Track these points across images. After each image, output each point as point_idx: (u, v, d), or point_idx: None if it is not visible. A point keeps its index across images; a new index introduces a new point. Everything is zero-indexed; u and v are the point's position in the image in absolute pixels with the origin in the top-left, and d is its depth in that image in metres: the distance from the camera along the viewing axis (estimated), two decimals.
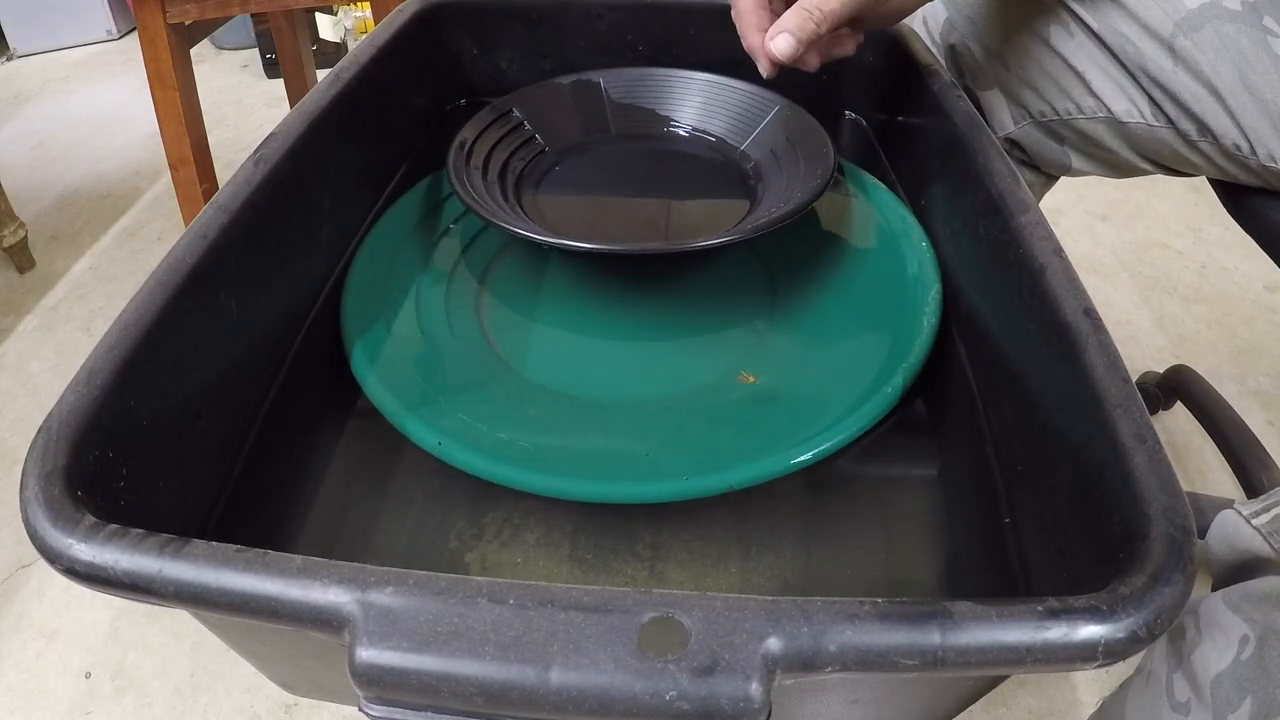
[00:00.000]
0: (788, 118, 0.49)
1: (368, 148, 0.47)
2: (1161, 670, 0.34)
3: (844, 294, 0.44)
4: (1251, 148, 0.46)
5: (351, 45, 1.71)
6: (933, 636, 0.21)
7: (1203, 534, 0.32)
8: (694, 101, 0.54)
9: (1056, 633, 0.21)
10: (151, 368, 0.29)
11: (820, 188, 0.43)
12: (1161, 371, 0.92)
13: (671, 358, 0.42)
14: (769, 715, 0.20)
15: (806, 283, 0.45)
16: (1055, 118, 0.53)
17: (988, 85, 0.55)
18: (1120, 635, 0.21)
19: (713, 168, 0.51)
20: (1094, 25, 0.48)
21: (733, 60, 0.57)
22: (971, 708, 0.32)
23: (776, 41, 0.39)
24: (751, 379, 0.40)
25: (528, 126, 0.52)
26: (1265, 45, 0.44)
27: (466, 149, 0.48)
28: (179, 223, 1.22)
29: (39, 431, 0.25)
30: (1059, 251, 0.33)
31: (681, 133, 0.54)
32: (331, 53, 1.79)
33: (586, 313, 0.44)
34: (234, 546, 0.23)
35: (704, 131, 0.53)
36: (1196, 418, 0.86)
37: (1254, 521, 0.34)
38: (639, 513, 0.36)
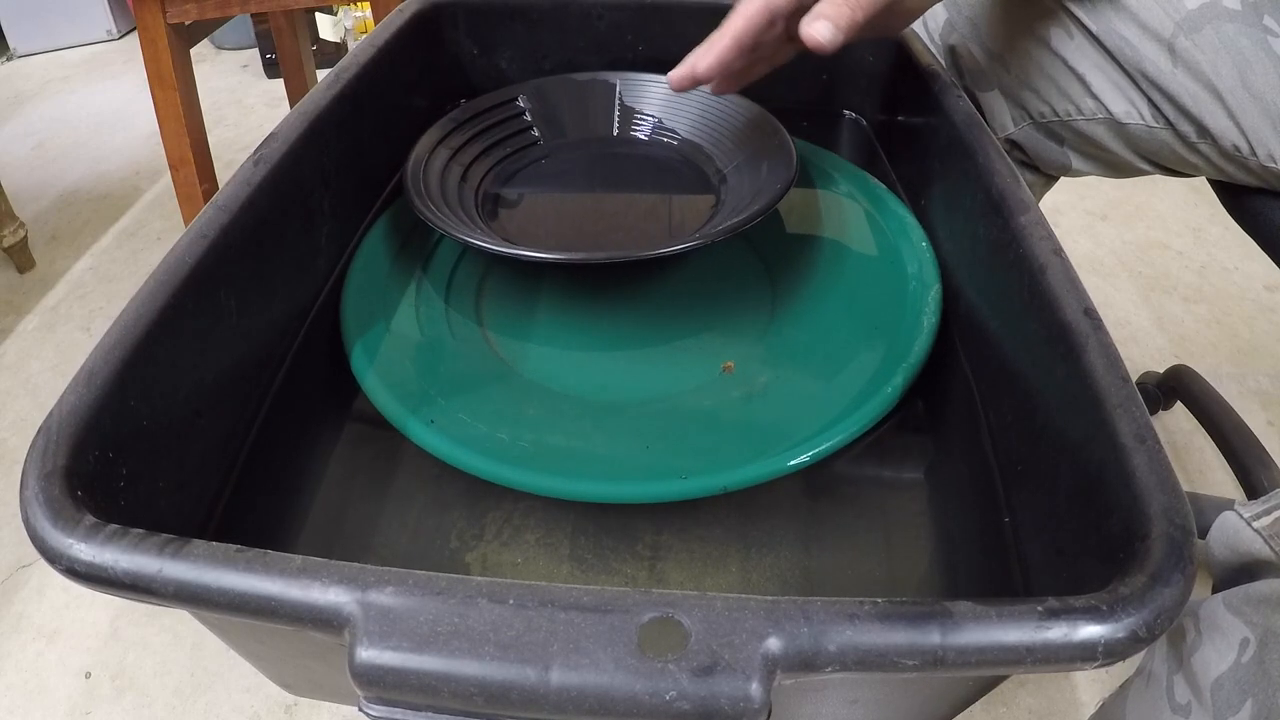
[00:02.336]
0: (776, 145, 0.49)
1: (368, 148, 0.47)
2: (1162, 672, 0.34)
3: (844, 293, 0.44)
4: (1251, 148, 0.46)
5: (351, 45, 1.71)
6: (933, 636, 0.21)
7: (1203, 534, 0.32)
8: (698, 115, 0.53)
9: (1056, 633, 0.21)
10: (151, 368, 0.29)
11: (778, 196, 0.43)
12: (1161, 371, 0.92)
13: (672, 357, 0.42)
14: (769, 715, 0.20)
15: (806, 282, 0.45)
16: (1055, 119, 0.53)
17: (987, 86, 0.55)
18: (1120, 635, 0.21)
19: (691, 178, 0.51)
20: (1093, 28, 0.48)
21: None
22: (971, 708, 0.32)
23: (817, 26, 0.38)
24: (732, 365, 0.40)
25: (528, 118, 0.53)
26: (1265, 45, 0.44)
27: (432, 147, 0.48)
28: (179, 223, 1.22)
29: (39, 432, 0.25)
30: (1059, 251, 0.33)
31: (676, 142, 0.54)
32: (331, 53, 1.79)
33: (587, 313, 0.44)
34: (234, 546, 0.23)
35: (698, 145, 0.52)
36: (1196, 418, 0.86)
37: (1255, 524, 0.34)
38: (639, 513, 0.36)
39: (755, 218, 0.41)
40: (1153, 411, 0.92)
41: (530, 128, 0.53)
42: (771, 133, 0.49)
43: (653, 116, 0.54)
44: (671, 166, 0.52)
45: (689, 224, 0.47)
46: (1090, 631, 0.21)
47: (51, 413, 0.26)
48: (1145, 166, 0.53)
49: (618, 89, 0.55)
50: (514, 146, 0.52)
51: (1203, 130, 0.47)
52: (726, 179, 0.49)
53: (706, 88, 0.50)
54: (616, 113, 0.55)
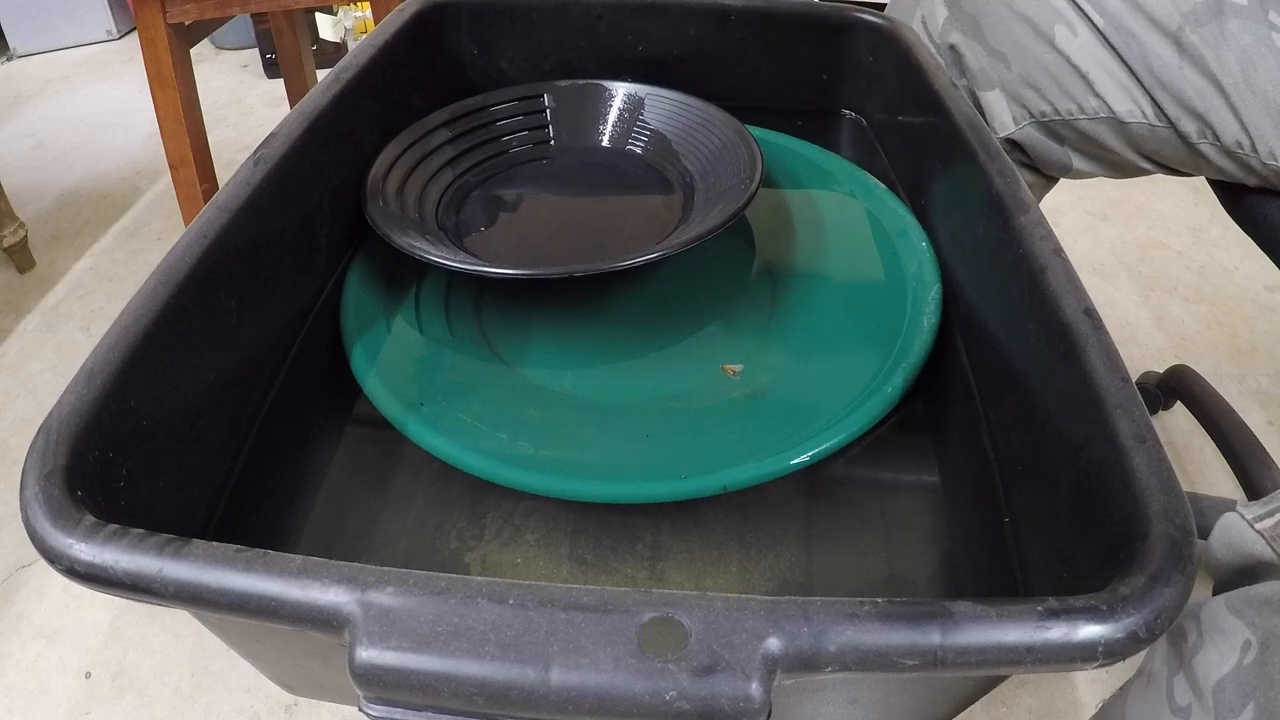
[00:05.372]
0: (747, 169, 0.47)
1: (368, 148, 0.47)
2: (1162, 673, 0.34)
3: (844, 294, 0.44)
4: (1253, 145, 0.46)
5: (351, 45, 1.70)
6: (933, 636, 0.21)
7: (1202, 535, 0.32)
8: (702, 137, 0.52)
9: (1056, 633, 0.21)
10: (151, 368, 0.29)
11: (744, 204, 0.42)
12: (1161, 371, 0.92)
13: (672, 357, 0.42)
14: (769, 715, 0.20)
15: (806, 283, 0.45)
16: (1057, 118, 0.53)
17: (988, 85, 0.55)
18: (1120, 635, 0.21)
19: (668, 189, 0.50)
20: (1099, 21, 0.48)
21: (732, 63, 0.57)
22: (971, 708, 0.32)
23: None
24: (734, 370, 0.40)
25: (548, 117, 0.54)
26: (1269, 41, 0.44)
27: (396, 155, 0.48)
28: (179, 223, 1.22)
29: (39, 431, 0.25)
30: (1059, 251, 0.33)
31: (656, 154, 0.53)
32: (331, 53, 1.79)
33: (587, 314, 0.44)
34: (234, 546, 0.23)
35: (694, 173, 0.51)
36: (1196, 418, 0.86)
37: (1257, 525, 0.34)
38: (639, 513, 0.36)
39: (707, 234, 0.41)
40: (1153, 411, 0.92)
41: (504, 134, 0.53)
42: (745, 148, 0.48)
43: (663, 136, 0.53)
44: (649, 177, 0.52)
45: (664, 234, 0.47)
46: (1090, 631, 0.21)
47: (51, 413, 0.26)
48: (1146, 165, 0.53)
49: (644, 103, 0.54)
50: (490, 153, 0.52)
51: (1205, 128, 0.47)
52: (694, 189, 0.49)
53: (720, 121, 0.50)
54: (631, 126, 0.54)
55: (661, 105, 0.54)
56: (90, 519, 0.23)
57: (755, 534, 0.35)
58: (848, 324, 0.42)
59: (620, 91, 0.54)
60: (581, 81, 0.55)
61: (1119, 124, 0.50)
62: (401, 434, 0.36)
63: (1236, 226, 0.54)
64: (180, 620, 0.76)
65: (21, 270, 1.20)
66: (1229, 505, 0.35)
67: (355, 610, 0.21)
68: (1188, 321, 1.10)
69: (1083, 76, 0.50)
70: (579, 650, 0.20)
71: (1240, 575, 0.34)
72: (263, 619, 0.22)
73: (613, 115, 0.54)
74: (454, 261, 0.40)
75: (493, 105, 0.53)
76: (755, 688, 0.20)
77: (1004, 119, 0.55)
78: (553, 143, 0.54)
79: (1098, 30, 0.49)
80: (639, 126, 0.54)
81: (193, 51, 0.93)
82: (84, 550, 0.22)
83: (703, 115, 0.52)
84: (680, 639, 0.20)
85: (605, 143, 0.54)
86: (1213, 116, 0.46)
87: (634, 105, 0.54)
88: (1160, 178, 0.54)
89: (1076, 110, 0.51)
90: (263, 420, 0.36)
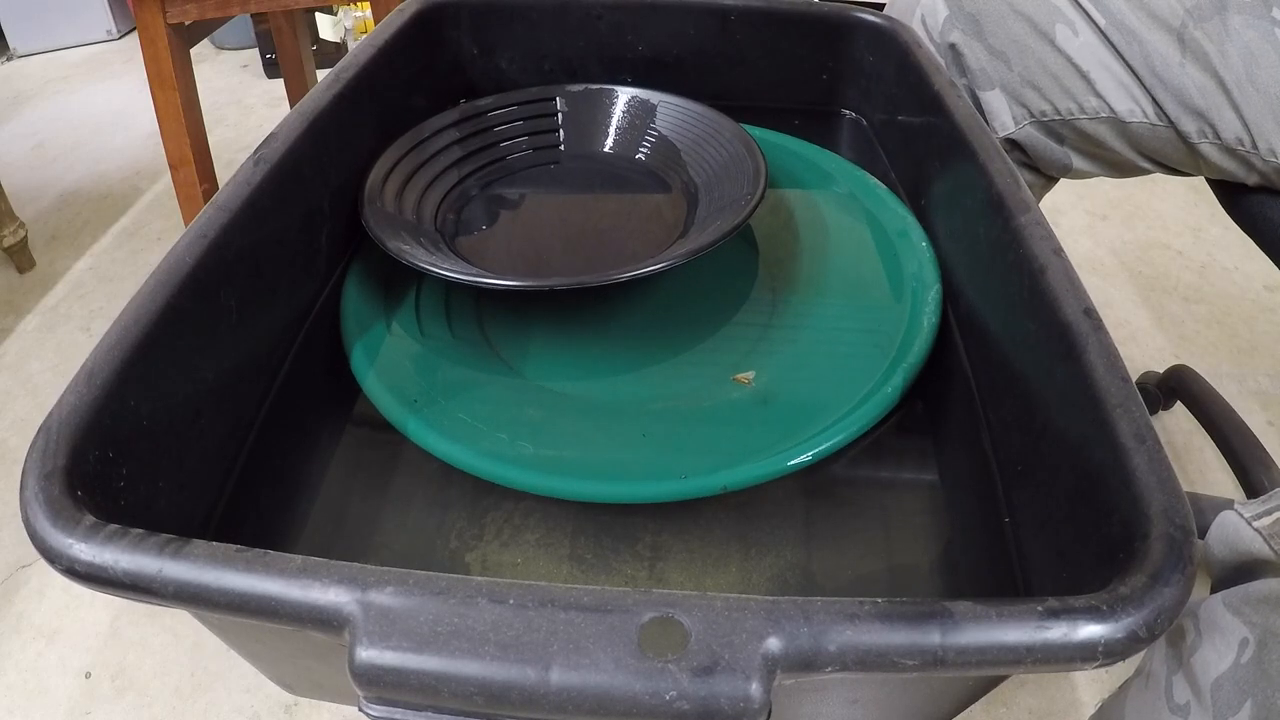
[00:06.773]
0: (751, 182, 0.47)
1: (368, 148, 0.47)
2: (1161, 672, 0.34)
3: (844, 294, 0.44)
4: (1253, 141, 0.46)
5: (351, 45, 1.70)
6: (933, 636, 0.21)
7: (1202, 534, 0.32)
8: (711, 149, 0.51)
9: (1056, 633, 0.21)
10: (151, 368, 0.29)
11: (749, 213, 0.42)
12: (1161, 371, 0.92)
13: (672, 358, 0.42)
14: (769, 715, 0.20)
15: (806, 283, 0.45)
16: (1057, 117, 0.53)
17: (989, 85, 0.55)
18: (1120, 635, 0.21)
19: (672, 196, 0.50)
20: (1100, 21, 0.48)
21: (732, 63, 0.57)
22: (971, 708, 0.32)
23: None
24: (747, 379, 0.40)
25: (559, 121, 0.53)
26: (1272, 37, 0.44)
27: (395, 160, 0.48)
28: (179, 223, 1.22)
29: (39, 432, 0.25)
30: (1059, 251, 0.33)
31: (656, 159, 0.52)
32: (331, 53, 1.79)
33: (587, 314, 0.44)
34: (234, 546, 0.23)
35: (699, 184, 0.50)
36: (1196, 418, 0.86)
37: (1255, 524, 0.34)
38: (639, 513, 0.36)
39: (706, 248, 0.40)
40: (1153, 411, 0.92)
41: (513, 137, 0.53)
42: (751, 160, 0.47)
43: (671, 143, 0.53)
44: (655, 185, 0.51)
45: (667, 243, 0.46)
46: (1090, 631, 0.21)
47: (51, 413, 0.26)
48: (1146, 165, 0.53)
49: (657, 110, 0.54)
50: (496, 155, 0.52)
51: (1205, 126, 0.47)
52: (699, 200, 0.49)
53: (729, 131, 0.49)
54: (643, 133, 0.54)
55: (672, 113, 0.53)
56: (90, 519, 0.23)
57: (755, 534, 0.35)
58: (848, 324, 0.42)
59: (632, 98, 0.54)
60: (594, 86, 0.54)
61: (1119, 124, 0.50)
62: (401, 434, 0.36)
63: (1236, 226, 0.54)
64: (180, 620, 0.76)
65: (21, 270, 1.20)
66: (1229, 505, 0.35)
67: (355, 610, 0.21)
68: (1188, 321, 1.10)
69: (1083, 76, 0.50)
70: (579, 650, 0.20)
71: (1238, 573, 0.34)
72: (263, 619, 0.22)
73: (624, 121, 0.54)
74: (444, 269, 0.40)
75: (503, 107, 0.53)
76: (755, 688, 0.20)
77: (1004, 119, 0.55)
78: (562, 147, 0.54)
79: (1099, 29, 0.49)
80: (649, 134, 0.53)
81: (193, 51, 0.93)
82: (84, 550, 0.22)
83: (713, 126, 0.51)
84: (680, 639, 0.20)
85: (614, 149, 0.54)
86: (1214, 114, 0.46)
87: (645, 112, 0.54)
88: (1160, 178, 0.55)
89: (1077, 110, 0.52)
90: (263, 420, 0.36)
